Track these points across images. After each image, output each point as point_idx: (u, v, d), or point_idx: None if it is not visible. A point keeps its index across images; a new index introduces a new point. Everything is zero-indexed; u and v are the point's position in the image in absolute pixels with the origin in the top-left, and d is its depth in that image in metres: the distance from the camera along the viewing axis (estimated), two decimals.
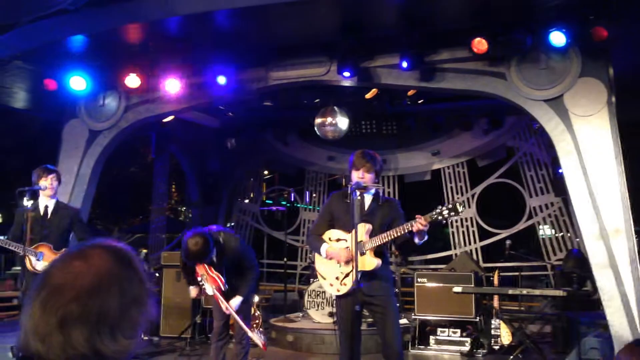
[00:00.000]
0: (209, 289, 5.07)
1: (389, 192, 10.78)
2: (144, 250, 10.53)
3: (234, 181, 11.92)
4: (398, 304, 5.43)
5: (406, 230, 4.19)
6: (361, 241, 4.31)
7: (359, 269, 4.19)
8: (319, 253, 4.59)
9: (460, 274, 7.79)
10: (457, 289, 7.18)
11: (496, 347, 7.05)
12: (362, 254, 4.31)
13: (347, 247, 4.42)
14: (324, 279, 4.60)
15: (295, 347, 7.62)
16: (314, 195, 11.61)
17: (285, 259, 9.28)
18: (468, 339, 7.31)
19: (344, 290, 4.40)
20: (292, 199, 10.79)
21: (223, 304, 5.05)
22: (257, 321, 7.79)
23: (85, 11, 6.29)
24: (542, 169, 10.09)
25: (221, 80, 7.17)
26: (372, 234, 4.38)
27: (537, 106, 6.25)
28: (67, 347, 1.16)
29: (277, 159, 11.84)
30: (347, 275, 4.39)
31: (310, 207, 11.46)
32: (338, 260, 4.47)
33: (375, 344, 6.81)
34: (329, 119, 8.89)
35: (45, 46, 6.89)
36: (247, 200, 12.09)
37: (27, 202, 5.31)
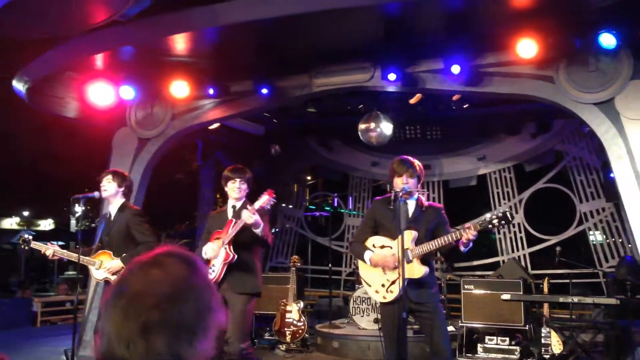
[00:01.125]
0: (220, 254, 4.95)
1: (433, 198, 10.67)
2: None
3: (278, 187, 11.98)
4: (444, 311, 5.35)
5: (454, 239, 4.13)
6: (407, 248, 4.27)
7: (406, 277, 4.17)
8: (363, 260, 4.57)
9: (508, 280, 7.65)
10: (506, 296, 7.03)
11: (546, 356, 6.88)
12: (409, 261, 4.27)
13: (394, 254, 4.38)
14: (369, 286, 4.57)
15: (341, 354, 7.60)
16: (358, 201, 11.59)
17: (330, 265, 9.28)
18: (517, 348, 7.17)
19: (390, 297, 4.37)
20: (336, 205, 10.78)
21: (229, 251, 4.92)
22: (302, 328, 7.82)
23: (135, 22, 6.47)
24: (592, 173, 9.82)
25: (265, 88, 7.26)
26: (418, 241, 4.34)
27: (587, 110, 6.10)
28: (151, 353, 1.21)
29: (321, 165, 11.88)
30: (393, 282, 4.36)
31: (355, 212, 11.43)
32: (385, 267, 4.43)
33: (420, 351, 6.75)
34: (373, 125, 8.87)
35: (96, 57, 7.10)
36: (291, 206, 12.15)
37: (78, 209, 5.29)
